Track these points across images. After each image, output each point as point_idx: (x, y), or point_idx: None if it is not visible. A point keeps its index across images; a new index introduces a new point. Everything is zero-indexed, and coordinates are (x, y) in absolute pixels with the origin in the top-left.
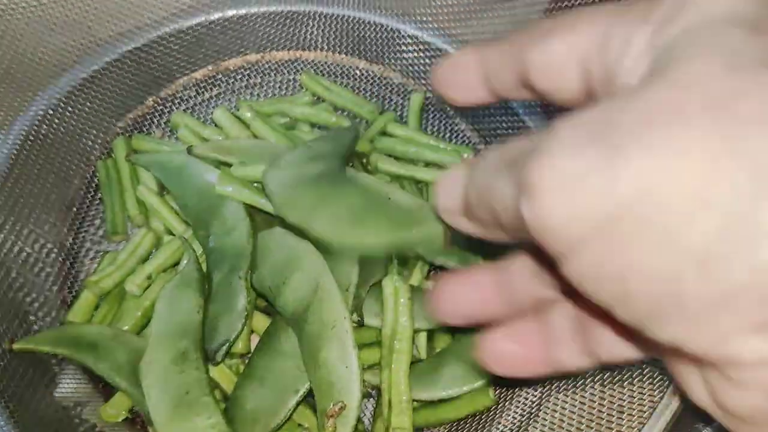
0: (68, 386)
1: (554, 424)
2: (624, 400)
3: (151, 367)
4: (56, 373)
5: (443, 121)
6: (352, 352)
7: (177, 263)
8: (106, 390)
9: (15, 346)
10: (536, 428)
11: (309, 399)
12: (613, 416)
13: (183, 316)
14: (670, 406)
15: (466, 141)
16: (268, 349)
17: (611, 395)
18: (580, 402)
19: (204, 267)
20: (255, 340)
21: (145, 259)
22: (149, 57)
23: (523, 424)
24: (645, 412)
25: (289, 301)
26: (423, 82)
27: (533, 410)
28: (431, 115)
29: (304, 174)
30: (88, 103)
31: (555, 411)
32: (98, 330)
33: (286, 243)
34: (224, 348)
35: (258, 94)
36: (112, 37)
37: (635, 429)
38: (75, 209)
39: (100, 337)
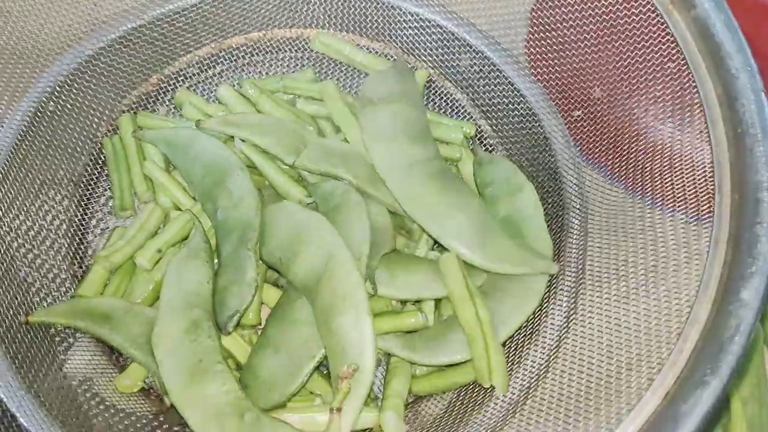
0: (83, 358)
1: (563, 384)
2: (632, 358)
3: (163, 338)
4: (70, 345)
5: (444, 98)
6: (367, 319)
7: (186, 237)
8: (119, 362)
9: (31, 319)
10: (545, 390)
11: (322, 368)
12: (622, 374)
13: (193, 287)
14: (678, 363)
15: (467, 116)
16: (282, 317)
17: (619, 354)
18: (588, 362)
19: (213, 241)
20: (266, 312)
21: (153, 234)
22: (153, 34)
23: (532, 386)
24: (654, 368)
25: (300, 273)
26: (424, 59)
27: (541, 372)
28: (432, 92)
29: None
30: (94, 81)
31: (563, 372)
32: (111, 302)
33: (296, 216)
34: (234, 319)
35: (261, 72)
36: (117, 14)
37: (644, 386)
38: (83, 185)
39: (113, 310)
